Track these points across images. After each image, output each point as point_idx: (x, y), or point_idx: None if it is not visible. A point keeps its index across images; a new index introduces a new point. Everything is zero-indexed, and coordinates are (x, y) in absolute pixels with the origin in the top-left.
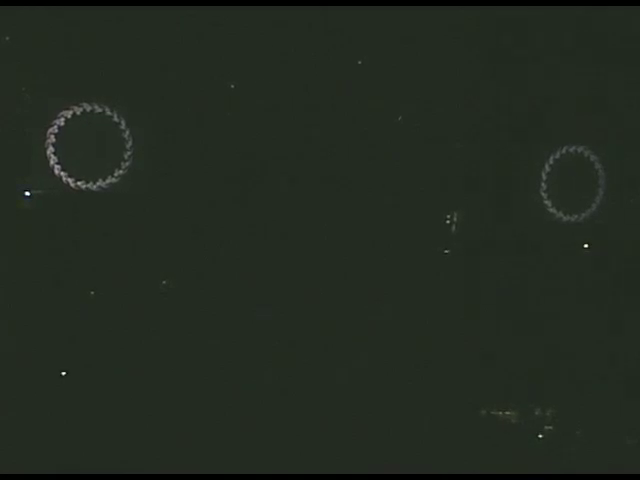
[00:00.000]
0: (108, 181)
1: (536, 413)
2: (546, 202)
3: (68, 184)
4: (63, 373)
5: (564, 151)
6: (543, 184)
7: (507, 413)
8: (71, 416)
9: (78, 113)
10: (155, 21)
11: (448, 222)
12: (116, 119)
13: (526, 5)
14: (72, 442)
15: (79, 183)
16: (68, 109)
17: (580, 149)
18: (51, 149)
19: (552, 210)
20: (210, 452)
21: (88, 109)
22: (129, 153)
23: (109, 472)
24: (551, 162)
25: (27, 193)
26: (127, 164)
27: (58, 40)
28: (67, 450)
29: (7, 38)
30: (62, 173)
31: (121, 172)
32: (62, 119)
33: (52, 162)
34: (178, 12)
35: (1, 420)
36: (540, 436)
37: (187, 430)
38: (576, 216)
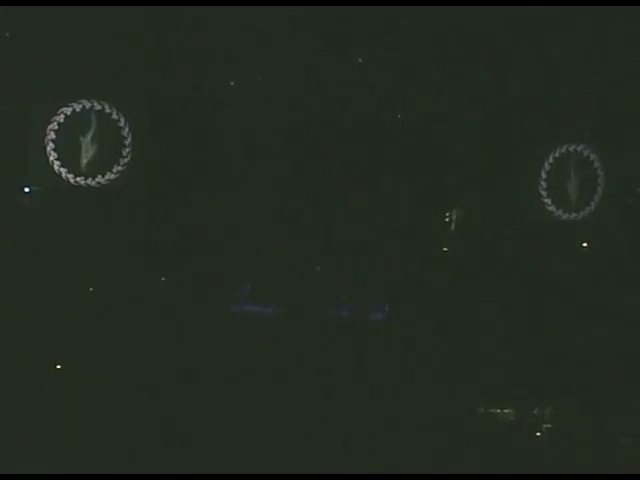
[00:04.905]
0: (107, 177)
1: (535, 411)
2: (545, 200)
3: (68, 180)
4: (58, 366)
5: (564, 150)
6: (542, 182)
7: (505, 411)
8: (68, 411)
9: (77, 110)
10: (155, 20)
11: (447, 220)
12: (115, 116)
13: (526, 5)
14: (70, 439)
15: (78, 179)
16: (67, 106)
17: (579, 148)
18: (51, 146)
19: (551, 208)
20: (209, 450)
21: (87, 106)
22: (128, 150)
23: (108, 471)
24: (551, 161)
25: (27, 189)
26: (126, 160)
27: (58, 38)
28: (65, 447)
29: (7, 34)
30: (62, 169)
31: (120, 168)
32: (62, 116)
33: (52, 158)
34: (178, 12)
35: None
36: (538, 434)
37: (186, 426)
38: (575, 214)
